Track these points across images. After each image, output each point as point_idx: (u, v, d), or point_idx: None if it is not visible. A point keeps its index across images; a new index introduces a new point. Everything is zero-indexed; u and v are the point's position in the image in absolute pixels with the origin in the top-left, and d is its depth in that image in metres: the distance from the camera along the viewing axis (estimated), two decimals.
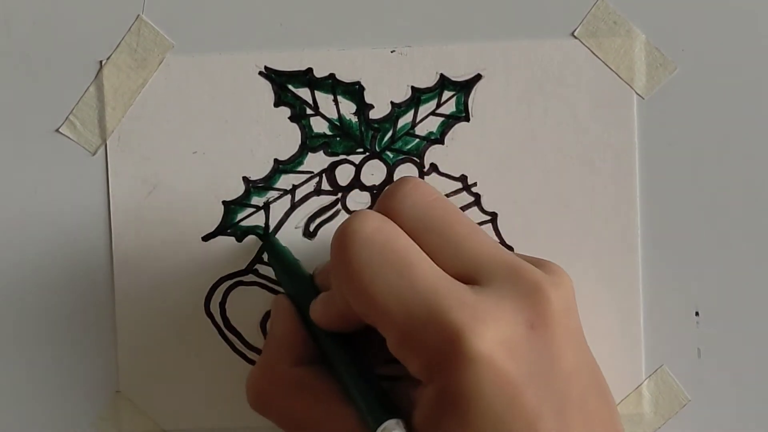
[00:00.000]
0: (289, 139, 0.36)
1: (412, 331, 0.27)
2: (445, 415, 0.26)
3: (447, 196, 0.36)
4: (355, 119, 0.36)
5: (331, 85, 0.36)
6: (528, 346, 0.26)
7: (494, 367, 0.26)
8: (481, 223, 0.35)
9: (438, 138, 0.36)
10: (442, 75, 0.36)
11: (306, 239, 0.36)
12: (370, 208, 0.36)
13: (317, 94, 0.36)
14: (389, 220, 0.28)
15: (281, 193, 0.36)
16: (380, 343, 0.29)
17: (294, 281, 0.34)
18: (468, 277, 0.28)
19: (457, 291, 0.27)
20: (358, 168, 0.36)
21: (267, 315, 0.36)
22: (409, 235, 0.28)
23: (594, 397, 0.28)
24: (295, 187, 0.36)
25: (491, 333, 0.26)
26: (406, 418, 0.28)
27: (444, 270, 0.28)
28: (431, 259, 0.28)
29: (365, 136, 0.36)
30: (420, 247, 0.28)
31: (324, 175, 0.36)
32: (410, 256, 0.28)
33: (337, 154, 0.36)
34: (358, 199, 0.36)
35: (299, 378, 0.31)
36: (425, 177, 0.36)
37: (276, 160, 0.36)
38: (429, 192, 0.30)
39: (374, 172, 0.36)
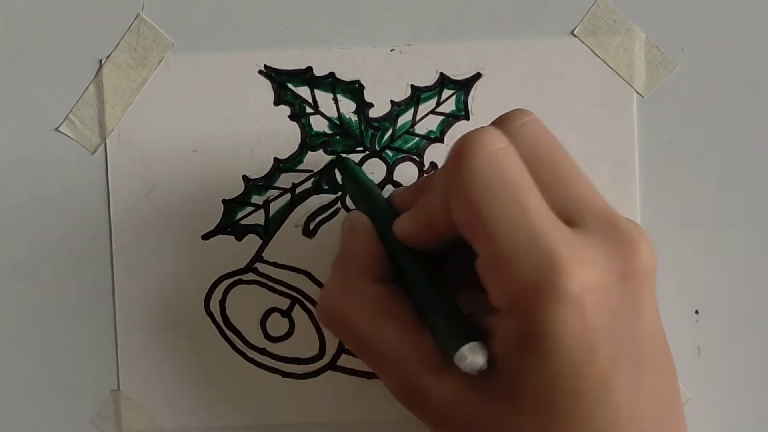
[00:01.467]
0: (289, 138, 0.36)
1: (511, 253, 0.26)
2: (524, 350, 0.26)
3: None
4: (354, 118, 0.36)
5: (331, 83, 0.36)
6: (616, 296, 0.26)
7: (582, 311, 0.25)
8: None
9: (438, 137, 0.36)
10: (441, 74, 0.36)
11: (306, 238, 0.36)
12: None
13: (317, 92, 0.36)
14: (512, 146, 0.28)
15: (281, 191, 0.36)
16: (455, 273, 0.29)
17: (372, 201, 0.33)
18: (568, 218, 0.27)
19: (562, 229, 0.27)
20: (358, 167, 0.36)
21: (267, 313, 0.36)
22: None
23: (663, 359, 0.28)
24: (294, 186, 0.36)
25: (586, 275, 0.26)
26: (487, 345, 0.27)
27: (547, 203, 0.27)
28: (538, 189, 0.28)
29: (365, 134, 0.36)
30: (529, 174, 0.28)
31: (324, 173, 0.36)
32: (526, 183, 0.27)
33: (337, 153, 0.36)
34: None
35: (377, 295, 0.30)
36: (425, 176, 0.36)
37: (276, 159, 0.36)
38: (544, 128, 0.29)
39: (374, 171, 0.36)
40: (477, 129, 0.28)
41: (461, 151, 0.28)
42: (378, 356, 0.30)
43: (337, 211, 0.36)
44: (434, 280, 0.30)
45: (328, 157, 0.36)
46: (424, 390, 0.29)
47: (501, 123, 0.29)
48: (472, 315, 0.29)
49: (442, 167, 0.29)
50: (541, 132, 0.29)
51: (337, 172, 0.36)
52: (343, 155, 0.36)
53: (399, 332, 0.30)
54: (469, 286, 0.29)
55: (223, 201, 0.36)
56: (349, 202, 0.36)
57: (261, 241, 0.36)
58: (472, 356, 0.27)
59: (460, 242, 0.28)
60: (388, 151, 0.36)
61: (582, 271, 0.26)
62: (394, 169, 0.36)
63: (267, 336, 0.36)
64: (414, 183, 0.33)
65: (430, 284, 0.30)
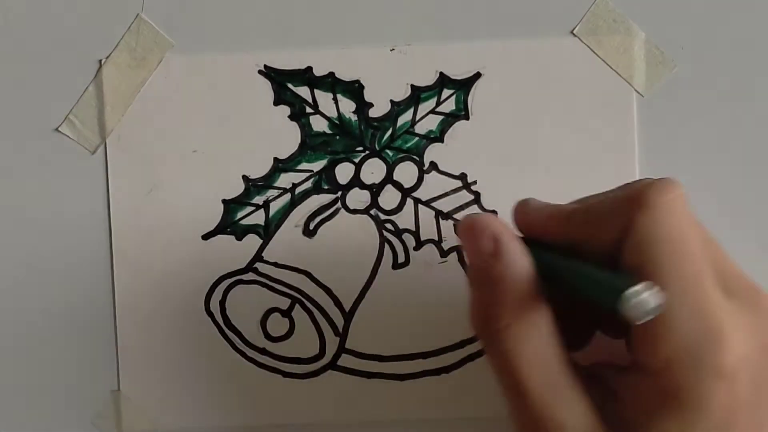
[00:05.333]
0: (289, 138, 0.36)
1: (677, 314, 0.26)
2: (667, 412, 0.26)
3: (446, 194, 0.36)
4: (354, 118, 0.36)
5: (331, 83, 0.36)
6: (760, 367, 0.26)
7: (732, 384, 0.25)
8: None
9: (438, 136, 0.36)
10: (441, 73, 0.36)
11: (306, 237, 0.36)
12: (370, 206, 0.36)
13: (317, 92, 0.36)
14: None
15: (281, 191, 0.36)
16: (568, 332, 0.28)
17: None
18: (721, 289, 0.27)
19: (723, 298, 0.27)
20: (358, 166, 0.36)
21: (267, 313, 0.36)
22: None
23: None
24: (294, 186, 0.36)
25: (741, 346, 0.26)
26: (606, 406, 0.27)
27: None
28: None
29: (365, 134, 0.36)
30: None
31: (324, 173, 0.36)
32: (702, 245, 0.27)
33: (337, 153, 0.36)
34: (358, 198, 0.36)
35: (546, 329, 0.28)
36: (425, 175, 0.36)
37: (276, 159, 0.36)
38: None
39: (374, 171, 0.36)
40: (665, 179, 0.27)
41: (652, 197, 0.27)
42: (524, 399, 0.28)
43: (337, 211, 0.36)
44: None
45: (329, 158, 0.36)
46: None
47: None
48: (588, 370, 0.28)
49: (613, 202, 0.28)
50: (687, 206, 0.28)
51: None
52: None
53: (556, 379, 0.28)
54: (580, 344, 0.29)
55: (223, 201, 0.36)
56: (349, 202, 0.36)
57: (261, 241, 0.36)
58: (641, 295, 0.24)
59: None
60: (388, 151, 0.36)
61: (738, 342, 0.26)
62: (394, 168, 0.36)
63: (267, 336, 0.36)
64: (550, 206, 0.31)
65: (559, 253, 0.28)
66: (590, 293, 0.26)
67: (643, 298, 0.24)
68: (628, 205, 0.27)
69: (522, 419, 0.28)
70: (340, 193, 0.36)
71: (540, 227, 0.29)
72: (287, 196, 0.36)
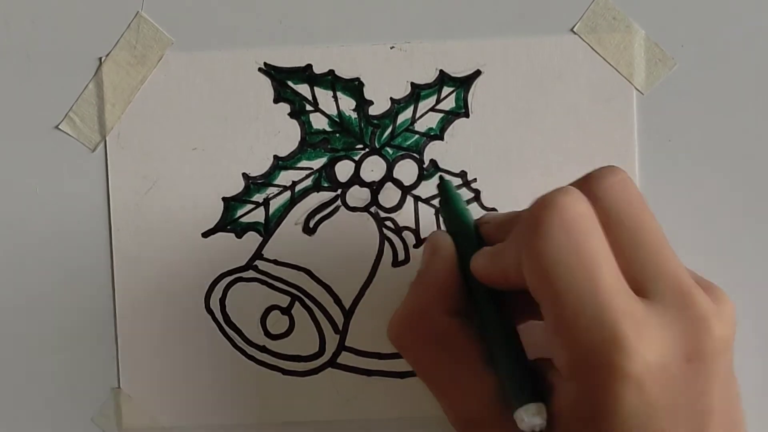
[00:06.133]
0: (289, 136, 0.36)
1: (575, 325, 0.26)
2: (580, 419, 0.26)
3: None
4: (354, 115, 0.36)
5: (331, 81, 0.36)
6: (678, 378, 0.26)
7: (642, 391, 0.25)
8: None
9: (438, 134, 0.36)
10: (441, 71, 0.36)
11: (306, 235, 0.36)
12: (370, 204, 0.36)
13: (317, 90, 0.36)
14: (592, 210, 0.28)
15: (281, 189, 0.36)
16: (527, 302, 0.29)
17: (460, 226, 0.33)
18: (640, 286, 0.27)
19: (630, 303, 0.26)
20: (358, 164, 0.36)
21: (267, 311, 0.36)
22: (601, 224, 0.28)
23: None
24: (294, 184, 0.36)
25: (649, 356, 0.26)
26: (547, 401, 0.28)
27: (621, 270, 0.27)
28: (614, 254, 0.28)
29: (365, 132, 0.36)
30: (608, 238, 0.28)
31: (323, 171, 0.36)
32: (600, 256, 0.27)
33: (337, 150, 0.36)
34: (358, 195, 0.36)
35: (448, 328, 0.31)
36: (425, 174, 0.36)
37: (275, 157, 0.36)
38: (632, 190, 0.29)
39: (374, 168, 0.36)
40: (558, 190, 0.28)
41: (537, 215, 0.27)
42: (439, 386, 0.30)
43: (337, 208, 0.36)
44: (506, 322, 0.30)
45: (329, 155, 0.36)
46: (479, 429, 0.29)
47: (588, 180, 0.29)
48: (536, 362, 0.29)
49: (520, 222, 0.29)
50: (627, 194, 0.29)
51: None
52: (446, 177, 0.36)
53: (464, 369, 0.30)
54: (539, 316, 0.29)
55: (223, 199, 0.36)
56: (349, 199, 0.36)
57: (261, 239, 0.36)
58: (531, 417, 0.27)
59: None
60: (388, 149, 0.36)
61: (645, 351, 0.26)
62: (394, 166, 0.36)
63: (267, 333, 0.36)
64: (501, 214, 0.33)
65: (502, 327, 0.30)
66: (500, 377, 0.29)
67: (529, 422, 0.27)
68: (521, 230, 0.28)
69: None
70: (340, 190, 0.36)
71: (491, 282, 0.30)
72: (287, 194, 0.36)
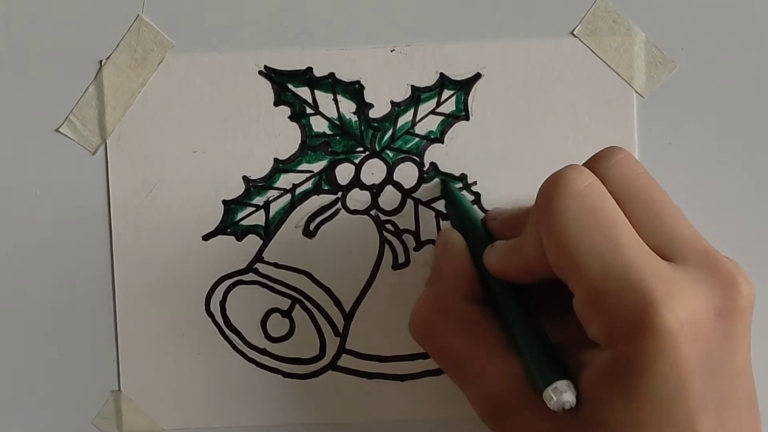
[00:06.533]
0: (289, 139, 0.36)
1: (606, 292, 0.26)
2: (614, 383, 0.26)
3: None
4: (355, 118, 0.36)
5: (331, 84, 0.36)
6: (710, 335, 0.26)
7: (676, 346, 0.25)
8: None
9: (438, 137, 0.36)
10: (441, 74, 0.36)
11: (306, 238, 0.36)
12: (370, 207, 0.36)
13: (317, 93, 0.36)
14: (599, 181, 0.28)
15: (281, 192, 0.36)
16: (548, 301, 0.29)
17: (468, 223, 0.33)
18: (663, 253, 0.27)
19: (656, 263, 0.27)
20: (358, 167, 0.36)
21: (267, 314, 0.36)
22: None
23: (747, 405, 0.27)
24: (295, 187, 0.36)
25: (683, 311, 0.26)
26: (574, 379, 0.28)
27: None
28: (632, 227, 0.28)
29: (365, 135, 0.36)
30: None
31: (324, 174, 0.36)
32: (617, 219, 0.27)
33: (337, 153, 0.36)
34: (358, 198, 0.36)
35: (469, 313, 0.31)
36: (425, 176, 0.36)
37: (276, 160, 0.36)
38: (637, 165, 0.29)
39: (374, 171, 0.36)
40: (563, 168, 0.28)
41: (548, 192, 0.28)
42: (464, 374, 0.30)
43: (337, 211, 0.36)
44: (525, 308, 0.30)
45: (329, 158, 0.36)
46: (507, 413, 0.29)
47: (592, 162, 0.29)
48: (561, 345, 0.29)
49: (533, 207, 0.29)
50: (633, 169, 0.29)
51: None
52: (445, 179, 0.36)
53: (487, 353, 0.30)
54: (559, 313, 0.29)
55: (224, 201, 0.36)
56: (349, 202, 0.36)
57: (261, 242, 0.36)
58: (559, 395, 0.27)
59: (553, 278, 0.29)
60: (388, 152, 0.36)
61: (677, 307, 0.26)
62: (394, 169, 0.36)
63: (267, 336, 0.36)
64: (508, 211, 0.33)
65: (521, 313, 0.30)
66: (524, 362, 0.29)
67: (558, 400, 0.27)
68: (534, 210, 0.29)
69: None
70: (340, 193, 0.36)
71: (508, 276, 0.30)
72: (287, 197, 0.36)
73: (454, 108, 0.36)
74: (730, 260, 0.28)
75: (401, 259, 0.36)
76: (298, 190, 0.36)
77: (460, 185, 0.36)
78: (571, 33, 0.36)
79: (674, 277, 0.26)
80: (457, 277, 0.32)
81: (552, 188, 0.28)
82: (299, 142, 0.36)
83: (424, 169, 0.36)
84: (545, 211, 0.28)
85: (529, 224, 0.29)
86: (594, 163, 0.29)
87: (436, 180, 0.36)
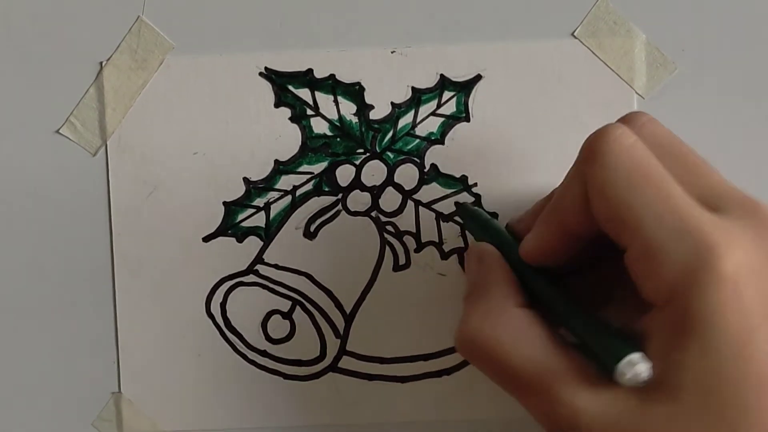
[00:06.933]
0: (290, 140, 0.36)
1: (661, 241, 0.26)
2: (684, 340, 0.26)
3: (446, 197, 0.36)
4: (355, 120, 0.36)
5: (332, 85, 0.36)
6: (765, 280, 0.26)
7: (739, 291, 0.25)
8: None
9: (438, 138, 0.36)
10: (442, 75, 0.36)
11: (306, 239, 0.36)
12: (370, 208, 0.36)
13: (317, 94, 0.36)
14: (640, 140, 0.28)
15: (282, 193, 0.36)
16: (583, 293, 0.29)
17: (494, 233, 0.33)
18: (708, 206, 0.27)
19: (706, 213, 0.27)
20: (359, 168, 0.36)
21: (268, 315, 0.36)
22: None
23: None
24: (295, 188, 0.36)
25: (740, 256, 0.25)
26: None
27: None
28: None
29: (365, 136, 0.36)
30: None
31: (324, 175, 0.36)
32: (664, 173, 0.27)
33: (338, 155, 0.36)
34: (359, 200, 0.36)
35: (521, 317, 0.30)
36: (426, 177, 0.36)
37: (276, 161, 0.36)
38: (662, 126, 0.30)
39: (374, 173, 0.36)
40: (606, 126, 0.28)
41: (596, 148, 0.28)
42: (524, 380, 0.29)
43: (337, 213, 0.36)
44: (573, 298, 0.30)
45: (330, 160, 0.36)
46: (576, 409, 0.27)
47: (624, 122, 0.29)
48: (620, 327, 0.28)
49: (572, 169, 0.29)
50: (662, 130, 0.29)
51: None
52: (462, 202, 0.36)
53: (546, 351, 0.29)
54: (598, 305, 0.29)
55: (224, 203, 0.36)
56: (350, 204, 0.36)
57: (262, 243, 0.36)
58: (632, 367, 0.26)
59: (585, 258, 0.28)
60: (389, 153, 0.36)
61: (735, 252, 0.25)
62: (395, 170, 0.36)
63: (268, 338, 0.36)
64: (530, 209, 0.33)
65: (572, 301, 0.29)
66: (588, 354, 0.28)
67: (633, 373, 0.26)
68: (579, 167, 0.28)
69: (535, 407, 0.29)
70: (340, 195, 0.36)
71: (547, 254, 0.30)
72: (288, 198, 0.36)
73: (454, 109, 0.36)
74: None
75: (402, 260, 0.36)
76: (299, 192, 0.36)
77: (460, 187, 0.36)
78: (572, 34, 0.36)
79: (725, 225, 0.26)
80: (502, 286, 0.31)
81: (600, 144, 0.28)
82: (300, 143, 0.36)
83: (425, 170, 0.36)
84: (594, 165, 0.28)
85: (570, 180, 0.29)
86: (626, 124, 0.29)
87: (434, 182, 0.36)
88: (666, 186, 0.27)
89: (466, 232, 0.36)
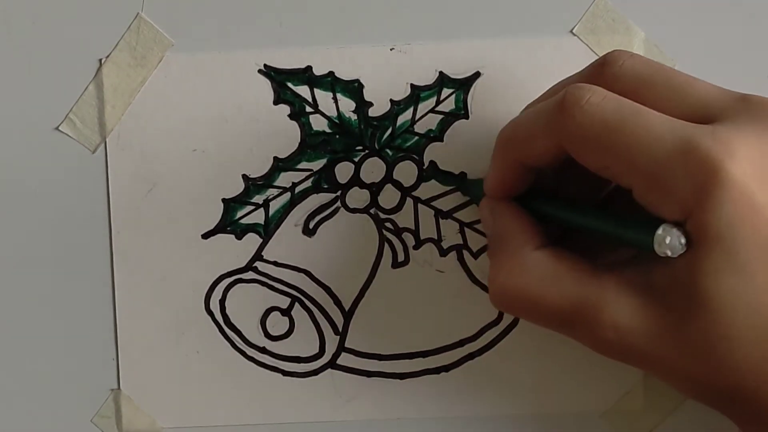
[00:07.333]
0: (289, 137, 0.36)
1: (663, 171, 0.26)
2: (707, 250, 0.26)
3: (445, 194, 0.36)
4: (354, 117, 0.36)
5: (331, 82, 0.36)
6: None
7: (751, 191, 0.26)
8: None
9: (437, 135, 0.36)
10: (441, 72, 0.36)
11: (305, 236, 0.36)
12: (369, 205, 0.36)
13: (316, 91, 0.36)
14: (608, 92, 0.28)
15: (281, 190, 0.36)
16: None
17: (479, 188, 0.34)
18: (705, 119, 0.28)
19: (699, 127, 0.27)
20: (358, 166, 0.36)
21: (267, 312, 0.36)
22: (630, 99, 0.28)
23: None
24: (294, 185, 0.36)
25: (746, 162, 0.26)
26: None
27: (677, 117, 0.28)
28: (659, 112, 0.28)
29: (364, 133, 0.36)
30: (645, 105, 0.28)
31: (323, 172, 0.36)
32: (640, 107, 0.28)
33: (337, 152, 0.36)
34: (358, 197, 0.36)
35: (548, 257, 0.30)
36: (425, 175, 0.36)
37: (275, 158, 0.36)
38: (642, 57, 0.30)
39: (373, 170, 0.36)
40: (572, 87, 0.28)
41: (570, 111, 0.28)
42: (563, 317, 0.29)
43: (336, 210, 0.36)
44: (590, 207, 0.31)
45: (329, 157, 0.36)
46: (619, 329, 0.28)
47: (598, 66, 0.30)
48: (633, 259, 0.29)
49: (539, 119, 0.29)
50: (641, 61, 0.29)
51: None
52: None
53: (576, 284, 0.29)
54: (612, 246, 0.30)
55: (223, 200, 0.36)
56: (349, 201, 0.36)
57: (261, 240, 0.36)
58: (670, 231, 0.27)
59: (593, 199, 0.30)
60: (388, 150, 0.36)
61: (737, 154, 0.26)
62: (394, 167, 0.36)
63: (267, 335, 0.36)
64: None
65: (593, 210, 0.30)
66: (623, 242, 0.29)
67: (670, 240, 0.27)
68: (552, 126, 0.29)
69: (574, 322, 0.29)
70: (339, 192, 0.36)
71: (507, 185, 0.32)
72: (287, 195, 0.36)
73: (453, 106, 0.36)
74: (763, 97, 0.28)
75: (401, 257, 0.36)
76: (298, 189, 0.36)
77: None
78: (571, 32, 0.36)
79: (721, 131, 0.27)
80: (518, 233, 0.31)
81: (572, 107, 0.28)
82: (299, 140, 0.36)
83: (424, 167, 0.36)
84: (570, 127, 0.28)
85: (540, 131, 0.29)
86: (601, 67, 0.30)
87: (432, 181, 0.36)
88: (647, 115, 0.27)
89: (466, 228, 0.36)
